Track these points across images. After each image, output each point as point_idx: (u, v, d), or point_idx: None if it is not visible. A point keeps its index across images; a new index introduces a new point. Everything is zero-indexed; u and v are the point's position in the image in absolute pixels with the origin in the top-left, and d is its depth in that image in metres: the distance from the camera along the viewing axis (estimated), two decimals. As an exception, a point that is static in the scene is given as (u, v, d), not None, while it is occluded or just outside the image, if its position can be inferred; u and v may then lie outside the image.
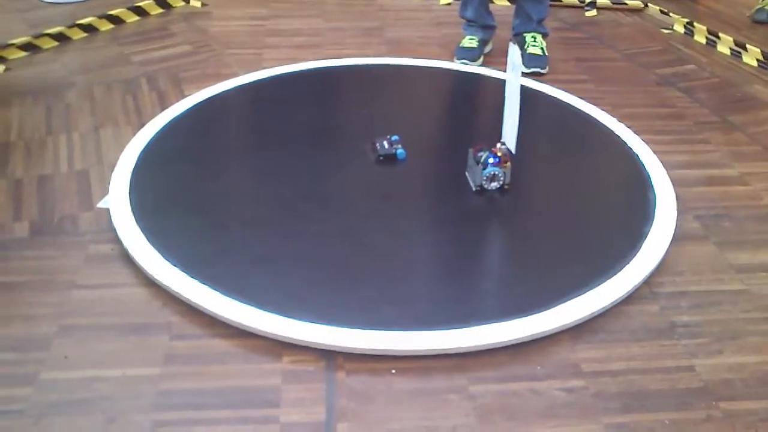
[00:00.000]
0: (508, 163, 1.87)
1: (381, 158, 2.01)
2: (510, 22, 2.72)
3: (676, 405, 1.39)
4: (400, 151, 2.02)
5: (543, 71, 2.58)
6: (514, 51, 1.79)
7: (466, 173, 1.95)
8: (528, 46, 2.61)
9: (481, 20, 2.66)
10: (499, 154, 1.86)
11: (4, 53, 2.57)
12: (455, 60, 2.62)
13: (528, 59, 2.54)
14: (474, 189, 1.89)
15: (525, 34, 2.65)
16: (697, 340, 1.54)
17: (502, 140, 1.89)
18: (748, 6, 3.10)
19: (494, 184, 1.88)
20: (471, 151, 1.91)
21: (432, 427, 1.34)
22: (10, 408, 1.34)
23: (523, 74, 2.42)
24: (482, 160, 1.86)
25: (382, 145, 2.04)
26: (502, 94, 1.93)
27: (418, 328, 1.49)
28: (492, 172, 1.86)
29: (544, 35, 2.67)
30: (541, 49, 2.62)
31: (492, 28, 2.71)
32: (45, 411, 1.34)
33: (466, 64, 2.60)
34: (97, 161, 2.05)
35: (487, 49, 2.71)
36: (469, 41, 2.65)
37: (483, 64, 2.62)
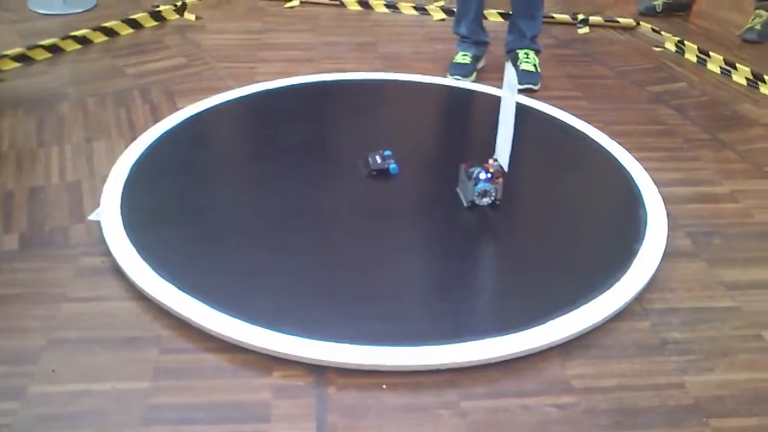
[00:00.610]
0: (500, 179, 1.88)
1: (373, 173, 2.02)
2: (503, 38, 2.74)
3: (667, 422, 1.39)
4: (392, 166, 2.03)
5: (535, 87, 2.60)
6: (509, 70, 1.80)
7: (457, 189, 1.95)
8: (521, 63, 2.63)
9: (474, 36, 2.68)
10: (491, 170, 1.87)
11: (-3, 64, 2.58)
12: (449, 76, 2.63)
13: (521, 75, 2.55)
14: (465, 204, 1.90)
15: (518, 51, 2.67)
16: (687, 357, 1.54)
17: (494, 156, 1.90)
18: (738, 25, 3.14)
19: (486, 200, 1.88)
20: (462, 166, 1.92)
21: (422, 443, 1.34)
22: (-3, 422, 1.34)
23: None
24: (474, 175, 1.87)
25: (375, 160, 2.04)
26: (493, 110, 1.94)
27: (409, 343, 1.49)
28: (483, 188, 1.87)
29: (537, 52, 2.69)
30: (534, 65, 2.63)
31: (485, 44, 2.73)
32: (33, 425, 1.33)
33: (459, 79, 2.62)
34: (89, 173, 2.05)
35: (480, 65, 2.72)
36: (463, 57, 2.67)
37: (476, 80, 2.64)
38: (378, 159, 2.05)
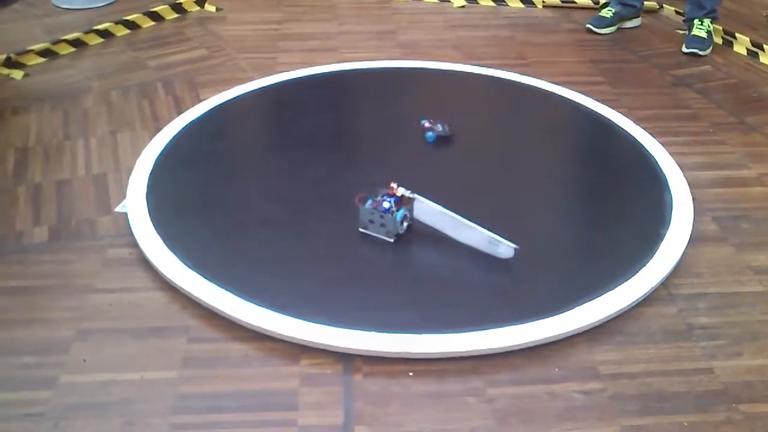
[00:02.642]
0: (411, 201, 1.75)
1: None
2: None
3: (695, 407, 1.38)
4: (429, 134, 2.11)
5: (701, 53, 2.72)
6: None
7: (365, 230, 1.76)
8: (694, 29, 2.76)
9: None
10: (398, 194, 1.73)
11: (23, 59, 2.60)
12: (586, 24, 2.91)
13: (690, 40, 2.73)
14: (391, 240, 1.73)
15: (694, 19, 2.79)
16: (715, 342, 1.53)
17: (391, 184, 1.75)
18: (765, 6, 3.08)
19: (405, 224, 1.76)
20: (362, 207, 1.74)
21: (449, 429, 1.34)
22: (31, 411, 1.36)
23: (683, 53, 2.73)
24: (389, 209, 1.72)
25: (435, 127, 2.11)
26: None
27: (435, 331, 1.49)
28: (404, 214, 1.74)
29: (713, 19, 2.79)
30: (707, 32, 2.75)
31: (633, 7, 2.92)
32: (65, 414, 1.35)
33: (592, 29, 2.88)
34: (114, 166, 2.07)
35: (631, 24, 2.95)
36: (607, 11, 2.91)
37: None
38: (439, 126, 2.12)
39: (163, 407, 1.37)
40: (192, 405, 1.38)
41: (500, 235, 1.67)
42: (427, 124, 2.15)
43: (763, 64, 2.69)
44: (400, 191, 1.74)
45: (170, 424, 1.34)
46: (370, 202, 1.74)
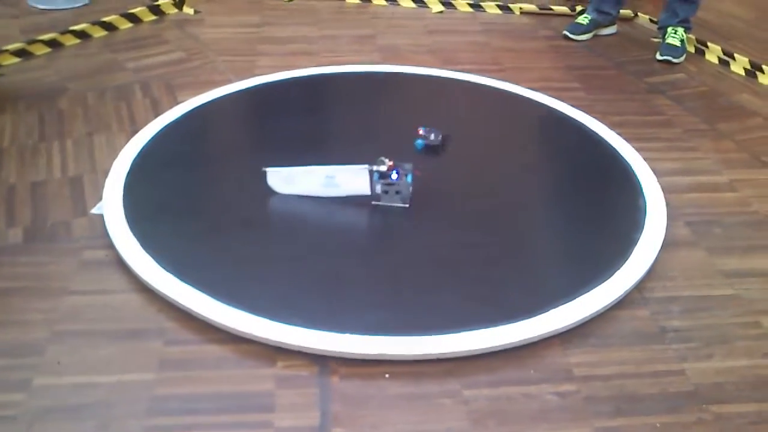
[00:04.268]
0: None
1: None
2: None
3: (667, 408, 1.40)
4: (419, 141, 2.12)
5: (675, 60, 2.76)
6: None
7: (380, 203, 1.87)
8: (668, 37, 2.79)
9: (598, 4, 2.95)
10: (388, 166, 1.84)
11: (-3, 59, 2.58)
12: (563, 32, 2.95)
13: (664, 48, 2.76)
14: (407, 205, 1.86)
15: (668, 27, 2.83)
16: (687, 345, 1.55)
17: (382, 159, 1.85)
18: (736, 15, 3.14)
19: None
20: (381, 182, 1.85)
21: (425, 431, 1.35)
22: (3, 414, 1.34)
23: (657, 61, 2.78)
24: (399, 177, 1.84)
25: (428, 135, 2.13)
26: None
27: (411, 333, 1.50)
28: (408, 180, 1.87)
29: (687, 29, 2.83)
30: (681, 41, 2.79)
31: (608, 15, 2.97)
32: (38, 417, 1.34)
33: (569, 37, 2.92)
34: (90, 167, 2.06)
35: (607, 32, 3.00)
36: (583, 18, 2.95)
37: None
38: (432, 136, 2.13)
39: (139, 409, 1.36)
40: (168, 407, 1.38)
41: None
42: (421, 132, 2.13)
43: (734, 72, 2.74)
44: (388, 163, 1.84)
45: (146, 427, 1.33)
46: (377, 176, 1.83)
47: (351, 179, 1.85)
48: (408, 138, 2.14)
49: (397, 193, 1.86)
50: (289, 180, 1.89)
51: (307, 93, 2.47)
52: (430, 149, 2.12)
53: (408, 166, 1.87)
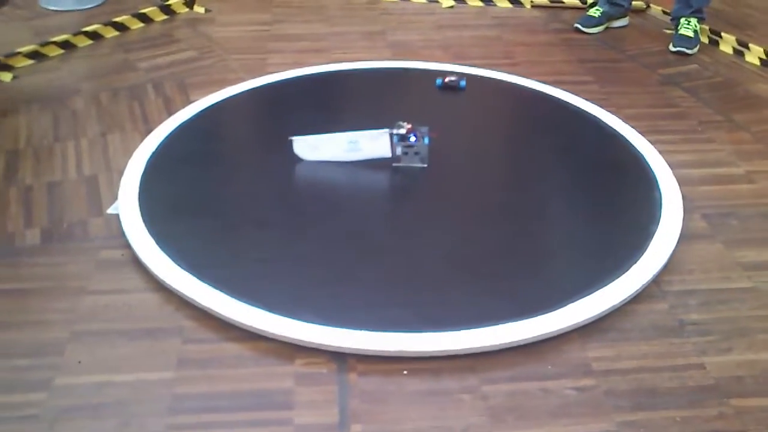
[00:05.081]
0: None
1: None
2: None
3: (688, 402, 1.40)
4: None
5: (689, 52, 2.74)
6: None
7: (400, 164, 2.00)
8: (681, 28, 2.77)
9: None
10: (407, 129, 1.98)
11: (11, 61, 2.59)
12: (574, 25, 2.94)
13: (677, 39, 2.74)
14: (425, 165, 1.98)
15: (681, 18, 2.81)
16: (706, 338, 1.54)
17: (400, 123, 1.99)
18: (750, 5, 3.11)
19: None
20: (401, 145, 1.98)
21: (444, 427, 1.35)
22: (26, 413, 1.35)
23: (671, 52, 2.77)
24: (417, 138, 1.97)
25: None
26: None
27: (429, 329, 1.50)
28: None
29: (700, 19, 2.81)
30: (694, 31, 2.77)
31: (620, 6, 2.95)
32: (59, 416, 1.35)
33: (581, 29, 2.90)
34: (105, 167, 2.07)
35: (618, 24, 2.96)
36: (595, 11, 2.91)
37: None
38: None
39: (159, 408, 1.37)
40: (187, 405, 1.38)
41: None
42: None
43: (748, 62, 2.72)
44: (406, 126, 1.97)
45: (166, 425, 1.34)
46: (397, 139, 1.96)
47: (372, 143, 1.96)
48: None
49: (416, 153, 1.97)
50: (314, 146, 1.98)
51: (319, 90, 2.47)
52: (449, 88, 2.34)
53: (424, 129, 1.98)
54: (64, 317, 1.57)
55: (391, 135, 1.96)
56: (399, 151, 1.98)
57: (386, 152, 1.97)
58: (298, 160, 2.01)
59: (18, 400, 1.38)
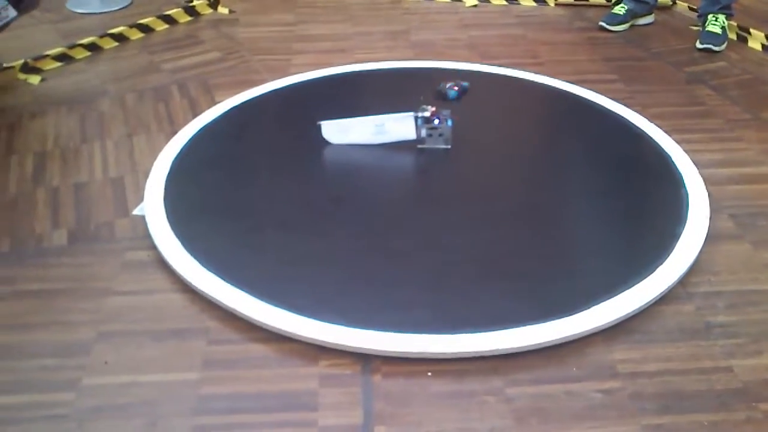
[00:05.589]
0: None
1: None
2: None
3: (715, 406, 1.38)
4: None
5: (716, 48, 2.71)
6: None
7: (425, 146, 2.06)
8: (708, 24, 2.75)
9: None
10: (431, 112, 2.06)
11: (40, 64, 2.62)
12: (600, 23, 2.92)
13: (704, 36, 2.72)
14: (449, 146, 2.05)
15: (708, 15, 2.78)
16: (734, 341, 1.52)
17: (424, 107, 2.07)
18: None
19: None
20: (425, 128, 2.05)
21: (468, 429, 1.34)
22: (55, 412, 1.37)
23: (698, 50, 2.74)
24: (441, 121, 2.04)
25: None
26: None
27: (453, 330, 1.49)
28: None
29: (728, 15, 2.79)
30: (721, 28, 2.74)
31: (646, 4, 2.92)
32: (88, 416, 1.37)
33: (605, 27, 2.88)
34: (131, 168, 2.09)
35: (644, 21, 2.94)
36: (620, 8, 2.89)
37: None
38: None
39: (185, 408, 1.38)
40: (213, 406, 1.39)
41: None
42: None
43: (778, 59, 2.68)
44: (430, 109, 2.06)
45: (192, 426, 1.35)
46: (422, 121, 2.03)
47: (398, 125, 2.03)
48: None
49: (440, 135, 2.04)
50: (342, 130, 2.05)
51: (343, 90, 2.47)
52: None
53: (446, 112, 2.06)
54: (91, 318, 1.59)
55: (416, 118, 2.02)
56: (423, 133, 2.05)
57: (411, 134, 2.03)
58: (326, 143, 2.09)
59: (47, 399, 1.40)
